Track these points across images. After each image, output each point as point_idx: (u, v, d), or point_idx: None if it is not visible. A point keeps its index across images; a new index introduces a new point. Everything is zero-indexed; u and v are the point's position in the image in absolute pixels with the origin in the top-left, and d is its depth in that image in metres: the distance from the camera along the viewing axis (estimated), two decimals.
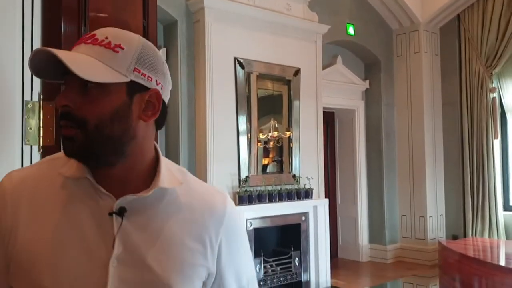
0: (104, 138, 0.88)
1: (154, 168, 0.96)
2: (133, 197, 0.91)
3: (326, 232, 6.11)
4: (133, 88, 0.91)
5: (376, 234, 7.68)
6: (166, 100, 0.98)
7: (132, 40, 0.92)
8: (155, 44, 2.27)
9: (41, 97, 1.83)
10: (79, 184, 0.93)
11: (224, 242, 0.99)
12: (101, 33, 0.91)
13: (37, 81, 1.83)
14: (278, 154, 6.08)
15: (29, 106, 1.80)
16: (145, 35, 2.14)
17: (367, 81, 7.80)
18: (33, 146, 1.80)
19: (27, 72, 1.68)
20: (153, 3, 2.21)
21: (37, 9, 1.68)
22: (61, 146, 0.91)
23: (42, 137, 1.82)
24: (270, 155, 6.04)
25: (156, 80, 0.93)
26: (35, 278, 0.88)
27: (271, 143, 5.99)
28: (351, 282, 6.49)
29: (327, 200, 6.21)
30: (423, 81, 7.53)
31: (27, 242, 0.90)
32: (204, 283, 0.99)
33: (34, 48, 1.79)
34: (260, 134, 5.89)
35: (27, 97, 1.79)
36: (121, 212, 0.91)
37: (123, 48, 0.89)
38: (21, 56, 1.80)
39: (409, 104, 7.68)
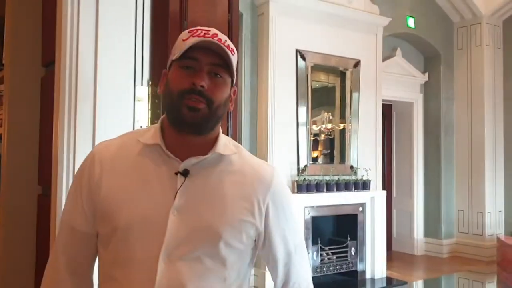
0: (216, 116, 1.14)
1: (215, 140, 1.18)
2: (196, 159, 1.14)
3: (383, 224, 6.15)
4: (231, 84, 1.17)
5: (432, 228, 7.64)
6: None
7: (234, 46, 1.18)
8: (237, 35, 2.45)
9: (150, 83, 2.08)
10: (152, 150, 1.16)
11: (271, 207, 1.18)
12: (221, 35, 1.15)
13: (146, 69, 2.07)
14: (328, 147, 6.15)
15: (139, 90, 2.05)
16: (229, 27, 2.34)
17: (427, 74, 7.73)
18: (142, 126, 2.07)
19: (139, 62, 1.94)
20: (236, 0, 2.40)
21: (147, 15, 1.92)
22: (179, 115, 1.12)
23: (150, 118, 2.07)
24: (319, 148, 6.11)
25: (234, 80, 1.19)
26: (113, 220, 1.12)
27: (322, 136, 6.07)
28: (406, 275, 6.51)
29: (384, 192, 6.24)
30: (485, 75, 7.40)
31: (109, 192, 1.14)
32: (255, 242, 1.19)
33: (144, 45, 2.10)
34: (314, 126, 5.99)
35: (138, 83, 2.03)
36: (185, 173, 1.13)
37: (234, 54, 1.16)
38: (133, 51, 2.05)
39: (469, 98, 7.57)
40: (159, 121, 1.22)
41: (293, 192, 5.56)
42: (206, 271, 1.10)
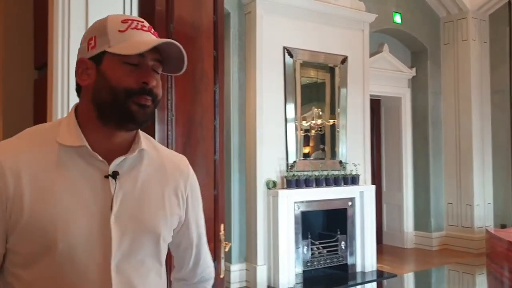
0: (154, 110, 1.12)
1: (134, 136, 1.13)
2: (122, 157, 1.07)
3: (373, 217, 6.23)
4: None
5: (422, 221, 7.73)
6: None
7: None
8: (222, 36, 2.49)
9: None
10: (74, 151, 1.05)
11: (189, 196, 1.22)
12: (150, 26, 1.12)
13: None
14: (320, 142, 6.23)
15: None
16: (215, 28, 2.37)
17: (414, 69, 7.82)
18: None
19: None
20: (221, 1, 2.43)
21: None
22: (127, 112, 1.05)
23: None
24: (311, 144, 6.19)
25: None
26: (46, 238, 0.99)
27: (313, 131, 6.14)
28: (396, 267, 6.59)
29: (373, 186, 6.32)
30: (471, 69, 7.49)
31: (36, 210, 1.00)
32: (174, 229, 1.20)
33: None
34: (304, 122, 6.06)
35: None
36: (115, 175, 1.06)
37: None
38: None
39: (456, 92, 7.66)
40: (72, 116, 1.10)
41: (282, 187, 5.63)
42: (148, 270, 1.11)
